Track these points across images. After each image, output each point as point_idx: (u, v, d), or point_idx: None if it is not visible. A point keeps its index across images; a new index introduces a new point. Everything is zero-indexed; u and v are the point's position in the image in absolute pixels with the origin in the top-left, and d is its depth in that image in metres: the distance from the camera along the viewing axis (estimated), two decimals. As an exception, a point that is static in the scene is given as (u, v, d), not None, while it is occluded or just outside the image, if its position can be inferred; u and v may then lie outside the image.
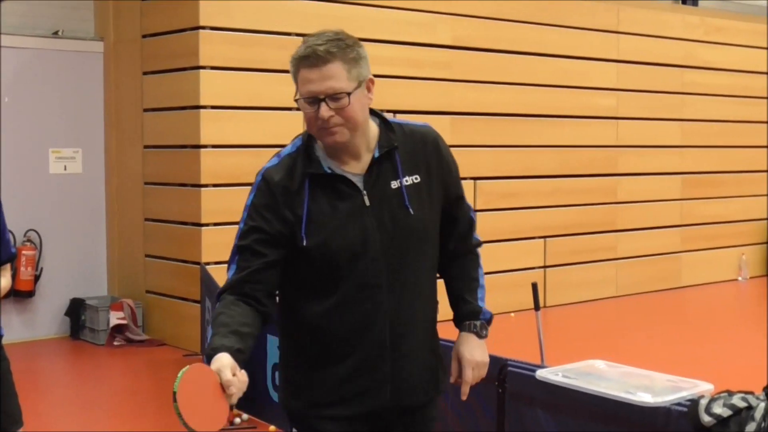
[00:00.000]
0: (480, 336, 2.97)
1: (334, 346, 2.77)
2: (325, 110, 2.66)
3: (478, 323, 2.98)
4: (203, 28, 8.26)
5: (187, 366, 2.41)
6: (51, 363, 8.47)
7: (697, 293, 11.87)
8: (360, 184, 2.76)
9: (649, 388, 3.64)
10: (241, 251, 2.75)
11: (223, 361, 2.48)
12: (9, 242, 3.89)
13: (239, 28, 8.44)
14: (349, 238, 2.72)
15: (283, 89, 8.99)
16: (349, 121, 2.69)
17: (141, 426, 6.35)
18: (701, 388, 3.56)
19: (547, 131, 10.79)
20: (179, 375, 2.37)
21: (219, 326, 2.64)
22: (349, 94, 2.66)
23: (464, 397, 2.97)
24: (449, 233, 2.97)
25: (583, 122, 11.13)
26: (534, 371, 4.00)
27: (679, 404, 3.44)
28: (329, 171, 2.76)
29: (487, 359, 2.99)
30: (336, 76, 2.65)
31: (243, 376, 2.49)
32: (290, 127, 8.14)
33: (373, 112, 2.85)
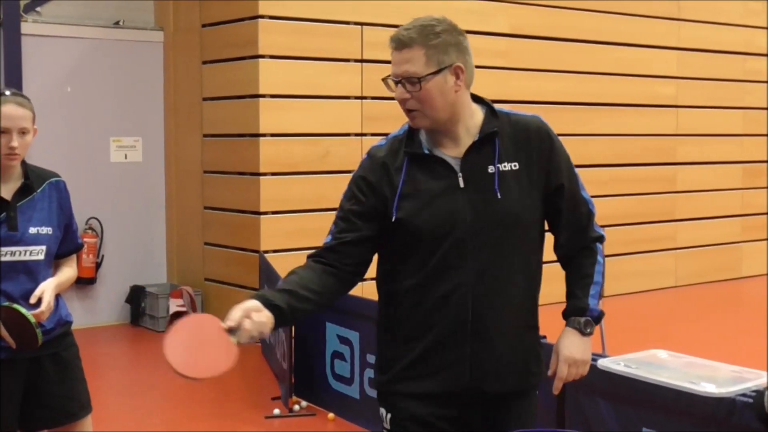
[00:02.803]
0: (583, 333, 2.91)
1: (418, 321, 2.83)
2: (400, 92, 2.78)
3: (582, 320, 2.91)
4: (262, 17, 8.30)
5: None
6: (111, 349, 8.59)
7: (758, 284, 11.66)
8: (456, 167, 2.82)
9: (712, 378, 3.60)
10: (337, 221, 2.89)
11: (243, 304, 2.58)
12: (76, 233, 3.94)
13: (298, 17, 8.46)
14: (437, 216, 2.78)
15: (342, 78, 9.01)
16: (424, 105, 2.77)
17: (198, 411, 6.41)
18: (766, 378, 3.52)
19: (606, 120, 10.69)
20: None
21: (282, 283, 2.75)
22: (420, 79, 2.73)
23: (556, 392, 2.94)
24: (557, 223, 2.97)
25: (642, 111, 11.01)
26: (595, 360, 3.97)
27: (743, 395, 3.40)
28: (427, 152, 2.83)
29: (588, 357, 2.93)
30: (413, 60, 2.74)
31: (259, 318, 2.56)
32: (348, 116, 8.06)
33: (482, 101, 2.91)
